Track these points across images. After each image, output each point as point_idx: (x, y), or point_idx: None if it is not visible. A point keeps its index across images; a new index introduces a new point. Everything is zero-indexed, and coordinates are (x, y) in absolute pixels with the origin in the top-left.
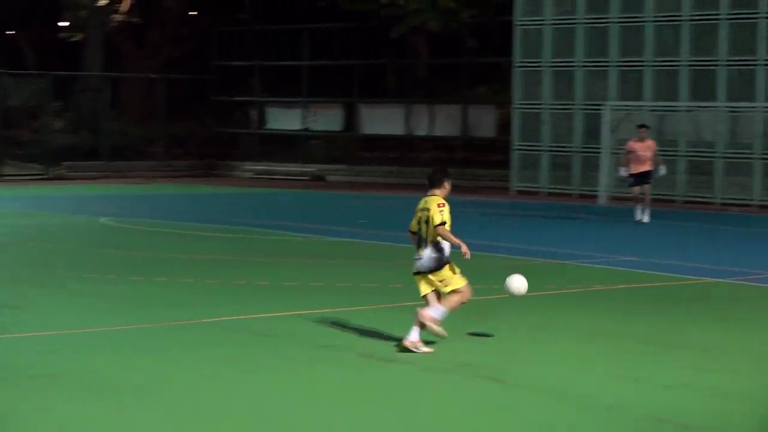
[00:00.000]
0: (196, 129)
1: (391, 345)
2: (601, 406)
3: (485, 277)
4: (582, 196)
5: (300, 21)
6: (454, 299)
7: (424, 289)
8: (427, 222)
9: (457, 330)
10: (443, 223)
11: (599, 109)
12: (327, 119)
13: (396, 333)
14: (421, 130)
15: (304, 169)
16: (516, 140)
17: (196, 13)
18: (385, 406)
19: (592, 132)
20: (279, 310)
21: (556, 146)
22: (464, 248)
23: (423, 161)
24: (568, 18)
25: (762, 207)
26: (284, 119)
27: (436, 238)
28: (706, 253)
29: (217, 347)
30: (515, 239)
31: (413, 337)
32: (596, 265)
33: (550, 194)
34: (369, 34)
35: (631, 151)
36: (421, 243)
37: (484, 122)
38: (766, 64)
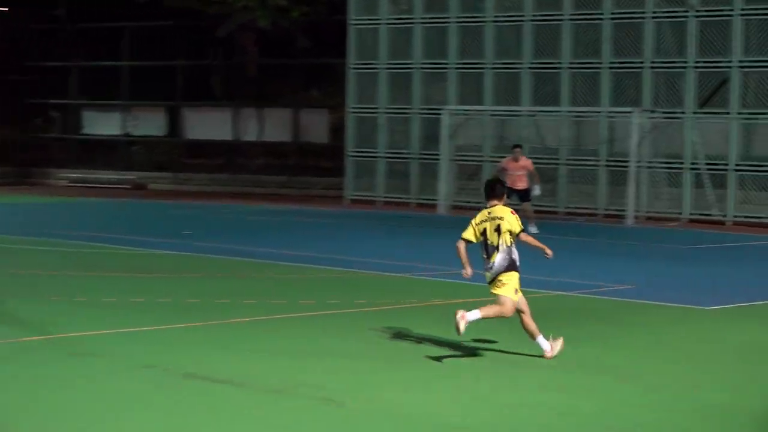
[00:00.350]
0: (9, 134)
1: (215, 363)
2: (440, 426)
3: (313, 291)
4: (420, 206)
5: (120, 19)
6: (494, 309)
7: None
8: (497, 230)
9: (289, 348)
10: (524, 230)
11: (438, 114)
12: (149, 123)
13: (222, 351)
14: (250, 135)
15: (124, 177)
16: (350, 146)
17: (7, 9)
18: (195, 427)
19: (431, 138)
20: (98, 327)
21: (393, 153)
22: (547, 250)
23: (252, 168)
24: (405, 17)
25: (607, 216)
26: (103, 123)
27: (510, 244)
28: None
29: (28, 368)
30: (348, 251)
31: (471, 316)
32: (435, 278)
33: (386, 203)
34: (194, 32)
35: (503, 169)
36: (492, 251)
37: (316, 127)
38: (610, 68)
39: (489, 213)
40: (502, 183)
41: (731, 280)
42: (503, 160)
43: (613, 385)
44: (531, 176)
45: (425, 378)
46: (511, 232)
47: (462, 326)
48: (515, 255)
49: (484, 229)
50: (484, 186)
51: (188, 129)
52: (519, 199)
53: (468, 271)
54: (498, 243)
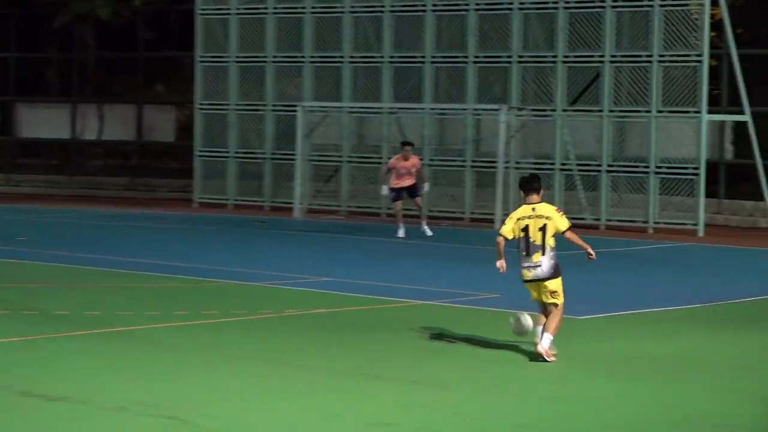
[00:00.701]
0: None
1: (53, 380)
2: None
3: (160, 302)
4: (275, 209)
5: None
6: (557, 322)
7: (534, 295)
8: (542, 230)
9: (132, 363)
10: (570, 228)
11: (293, 111)
12: None
13: (61, 366)
14: (90, 134)
15: None
16: (199, 145)
17: None
18: None
19: (286, 136)
20: None
21: (245, 153)
22: (590, 249)
23: (92, 169)
24: (256, 7)
25: (474, 220)
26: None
27: (554, 245)
28: (414, 273)
29: None
30: (197, 258)
31: (545, 344)
32: (290, 287)
33: (238, 207)
34: (27, 22)
35: (391, 169)
36: (534, 250)
37: (162, 125)
38: (476, 62)
39: (534, 209)
40: (539, 177)
41: (606, 288)
42: (391, 159)
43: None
44: (419, 174)
45: (278, 391)
46: (556, 233)
47: (553, 359)
48: (556, 256)
49: (526, 226)
50: (520, 182)
51: (22, 127)
52: (408, 194)
53: (503, 264)
54: (543, 243)
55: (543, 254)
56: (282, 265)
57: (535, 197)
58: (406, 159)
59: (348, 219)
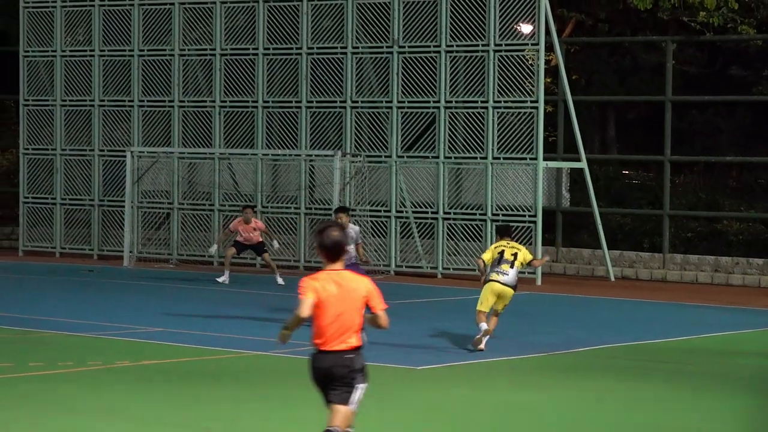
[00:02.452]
0: None
1: None
2: None
3: None
4: (104, 258)
5: None
6: (495, 323)
7: (491, 300)
8: (514, 255)
9: None
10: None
11: (122, 156)
12: None
13: None
14: None
15: None
16: (24, 192)
17: None
18: None
19: (114, 182)
20: None
21: (72, 199)
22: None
23: None
24: (83, 50)
25: (308, 269)
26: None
27: (521, 268)
28: (245, 322)
29: None
30: (22, 308)
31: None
32: (121, 338)
33: (66, 255)
34: None
35: (232, 232)
36: (506, 264)
37: None
38: (309, 107)
39: (508, 243)
40: (510, 225)
41: (444, 338)
42: (232, 221)
43: None
44: (266, 235)
45: None
46: (523, 262)
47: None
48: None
49: (502, 251)
50: (498, 229)
51: None
52: (255, 251)
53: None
54: (514, 261)
55: (512, 269)
56: (112, 315)
57: (507, 239)
58: (247, 222)
59: (179, 267)
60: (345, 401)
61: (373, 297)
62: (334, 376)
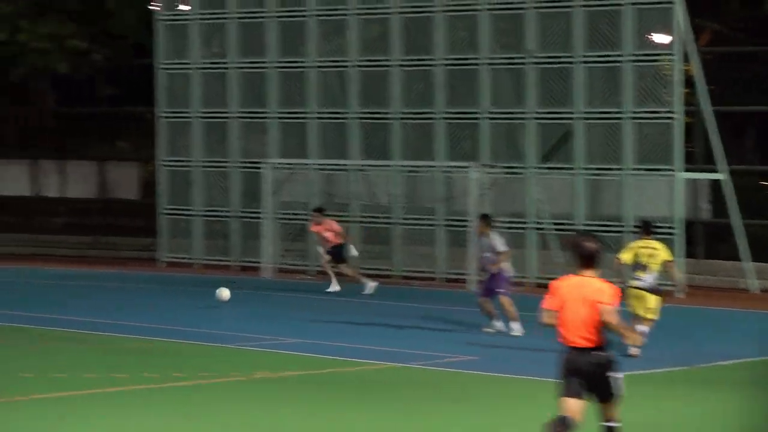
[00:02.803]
0: None
1: None
2: None
3: (127, 364)
4: (243, 269)
5: None
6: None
7: (635, 305)
8: (652, 257)
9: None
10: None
11: (259, 168)
12: None
13: None
14: (51, 191)
15: None
16: (163, 203)
17: None
18: None
19: (252, 194)
20: None
21: (211, 211)
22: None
23: (54, 227)
24: (218, 62)
25: (448, 281)
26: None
27: (662, 270)
28: (385, 334)
29: None
30: (162, 319)
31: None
32: (260, 349)
33: (205, 266)
34: None
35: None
36: (642, 269)
37: (125, 182)
38: (445, 118)
39: (647, 243)
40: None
41: None
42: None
43: None
44: (341, 236)
45: None
46: (661, 264)
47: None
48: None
49: (639, 254)
50: (641, 224)
51: None
52: (333, 260)
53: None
54: (652, 265)
55: (650, 273)
56: (252, 326)
57: (646, 236)
58: (319, 224)
59: (317, 279)
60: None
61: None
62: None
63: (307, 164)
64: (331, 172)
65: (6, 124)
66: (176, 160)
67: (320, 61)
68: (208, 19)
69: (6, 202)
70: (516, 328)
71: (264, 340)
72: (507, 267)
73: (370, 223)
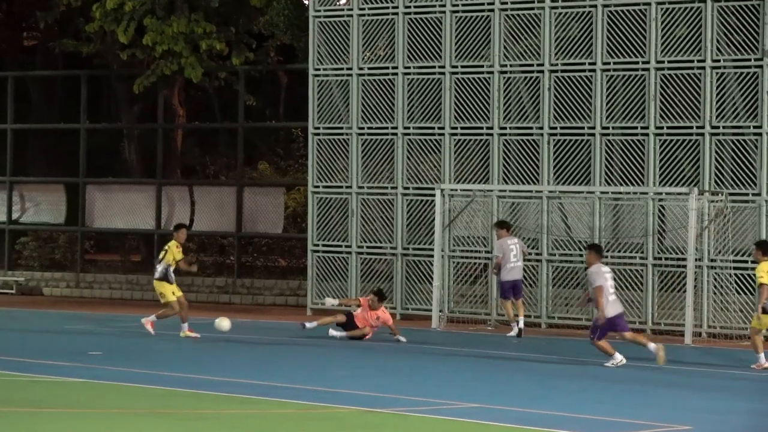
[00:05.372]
0: None
1: None
2: None
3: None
4: (407, 318)
5: (2, 66)
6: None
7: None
8: None
9: None
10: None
11: (429, 195)
12: (43, 207)
13: None
14: (180, 221)
15: (9, 279)
16: (313, 238)
17: None
18: None
19: (421, 226)
20: None
21: (371, 247)
22: None
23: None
24: (384, 67)
25: (657, 332)
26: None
27: None
28: (585, 397)
29: None
30: (306, 377)
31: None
32: (426, 414)
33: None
34: (100, 86)
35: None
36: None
37: (267, 212)
38: (658, 134)
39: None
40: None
41: None
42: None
43: None
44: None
45: None
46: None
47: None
48: None
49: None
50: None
51: (94, 215)
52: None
53: None
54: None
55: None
56: (416, 387)
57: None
58: (374, 309)
59: (500, 330)
60: None
61: None
62: None
63: (488, 191)
64: (517, 200)
65: (127, 143)
66: (330, 185)
67: (507, 67)
68: (373, 14)
69: (125, 237)
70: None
71: (431, 404)
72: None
73: (563, 261)
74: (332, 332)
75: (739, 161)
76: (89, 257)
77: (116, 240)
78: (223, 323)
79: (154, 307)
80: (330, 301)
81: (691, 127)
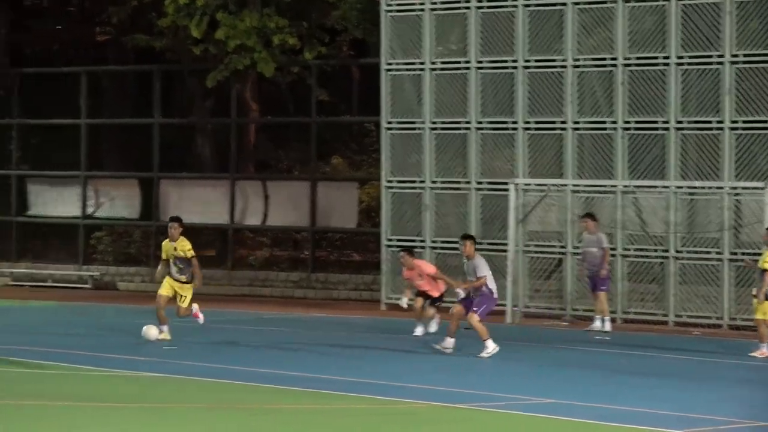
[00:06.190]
0: None
1: None
2: None
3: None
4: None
5: (75, 61)
6: None
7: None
8: None
9: None
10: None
11: (503, 190)
12: (117, 202)
13: None
14: (253, 218)
15: (84, 274)
16: (387, 233)
17: None
18: None
19: (495, 221)
20: None
21: (445, 242)
22: None
23: (256, 263)
24: (457, 61)
25: (734, 328)
26: (56, 201)
27: None
28: (658, 394)
29: None
30: (381, 374)
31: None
32: (500, 410)
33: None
34: (173, 81)
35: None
36: None
37: (340, 207)
38: (733, 128)
39: None
40: None
41: None
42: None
43: None
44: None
45: None
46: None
47: None
48: None
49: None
50: None
51: (167, 209)
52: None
53: None
54: None
55: None
56: (490, 382)
57: None
58: (411, 269)
59: (574, 326)
60: None
61: None
62: None
63: (562, 185)
64: (591, 194)
65: (200, 138)
66: (404, 180)
67: (581, 60)
68: (445, 8)
69: (199, 232)
70: None
71: (506, 399)
72: None
73: (638, 257)
74: (419, 330)
75: None
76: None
77: (190, 235)
78: (150, 332)
79: (226, 302)
80: (405, 300)
81: (767, 121)
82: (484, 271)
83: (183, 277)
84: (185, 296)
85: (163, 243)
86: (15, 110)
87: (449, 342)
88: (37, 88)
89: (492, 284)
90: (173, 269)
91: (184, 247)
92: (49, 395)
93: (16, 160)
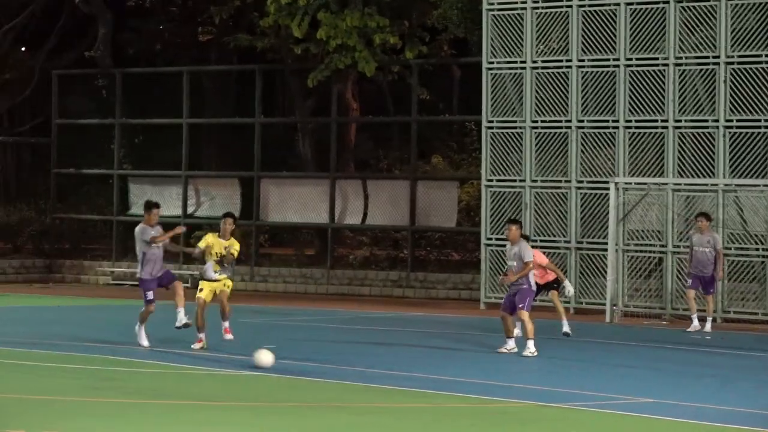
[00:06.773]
0: (29, 214)
1: None
2: None
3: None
4: (580, 312)
5: (177, 61)
6: None
7: None
8: None
9: None
10: None
11: (603, 189)
12: (216, 201)
13: None
14: (352, 217)
15: (184, 272)
16: (487, 231)
17: (24, 49)
18: None
19: (596, 221)
20: None
21: (544, 240)
22: None
23: (355, 263)
24: (558, 60)
25: None
26: (157, 201)
27: None
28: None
29: None
30: (477, 371)
31: None
32: (601, 410)
33: (535, 308)
34: (274, 80)
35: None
36: None
37: (440, 206)
38: None
39: None
40: None
41: None
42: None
43: None
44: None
45: None
46: None
47: None
48: None
49: None
50: None
51: (269, 209)
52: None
53: None
54: None
55: None
56: (592, 382)
57: None
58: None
59: (674, 325)
60: None
61: None
62: None
63: (663, 184)
64: (692, 193)
65: (300, 137)
66: (504, 179)
67: (681, 58)
68: (546, 7)
69: (299, 231)
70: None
71: (605, 398)
72: None
73: (739, 256)
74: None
75: None
76: (263, 251)
77: (290, 234)
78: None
79: (326, 301)
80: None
81: None
82: (530, 256)
83: (222, 277)
84: (228, 287)
85: (210, 237)
86: (117, 110)
87: (511, 343)
88: (139, 87)
89: (531, 276)
90: (210, 269)
91: (238, 247)
92: (176, 395)
93: (118, 159)
